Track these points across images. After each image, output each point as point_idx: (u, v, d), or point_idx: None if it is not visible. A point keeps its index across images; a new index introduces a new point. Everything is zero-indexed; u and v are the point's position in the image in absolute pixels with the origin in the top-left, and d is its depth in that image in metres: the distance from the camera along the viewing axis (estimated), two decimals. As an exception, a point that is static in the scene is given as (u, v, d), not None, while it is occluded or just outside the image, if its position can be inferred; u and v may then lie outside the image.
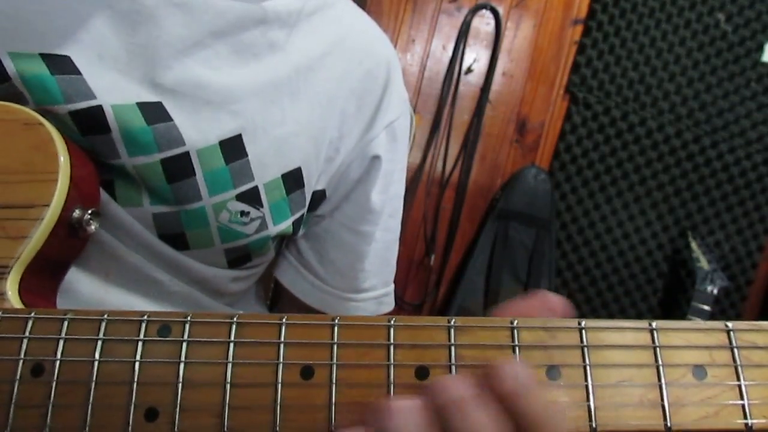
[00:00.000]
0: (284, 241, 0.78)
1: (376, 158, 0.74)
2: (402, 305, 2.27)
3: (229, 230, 0.64)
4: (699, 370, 0.37)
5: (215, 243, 0.64)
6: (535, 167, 2.26)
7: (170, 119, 0.59)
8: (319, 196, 0.73)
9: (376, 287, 0.80)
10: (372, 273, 0.78)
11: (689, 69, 2.24)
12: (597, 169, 2.28)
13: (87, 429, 0.38)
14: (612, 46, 2.22)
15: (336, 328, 0.38)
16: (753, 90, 2.28)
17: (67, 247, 0.53)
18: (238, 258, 0.68)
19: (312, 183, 0.70)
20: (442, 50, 2.23)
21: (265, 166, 0.64)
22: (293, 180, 0.67)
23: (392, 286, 0.84)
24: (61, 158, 0.50)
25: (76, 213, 0.51)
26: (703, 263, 2.11)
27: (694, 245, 2.16)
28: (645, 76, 2.23)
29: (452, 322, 0.38)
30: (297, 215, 0.69)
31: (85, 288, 0.60)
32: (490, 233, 2.25)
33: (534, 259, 2.23)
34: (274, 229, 0.67)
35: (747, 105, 2.28)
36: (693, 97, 2.26)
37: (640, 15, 2.21)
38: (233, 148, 0.62)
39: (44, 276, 0.52)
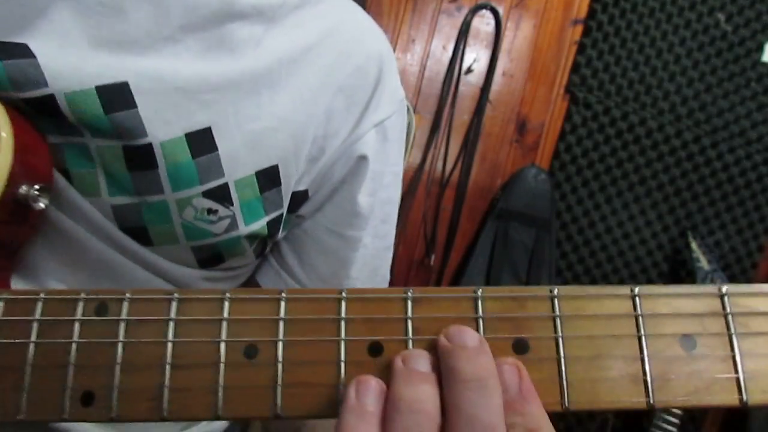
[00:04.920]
0: (267, 245, 0.74)
1: (362, 158, 0.69)
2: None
3: (194, 228, 0.60)
4: (687, 340, 0.34)
5: (179, 240, 0.61)
6: (535, 167, 2.25)
7: (134, 105, 0.55)
8: (301, 197, 0.69)
9: None
10: (359, 281, 0.74)
11: (689, 69, 2.23)
12: (597, 169, 2.26)
13: (21, 414, 0.35)
14: (612, 46, 2.21)
15: (283, 303, 0.35)
16: (753, 90, 2.26)
17: (16, 226, 0.50)
18: (209, 258, 0.64)
19: (291, 182, 0.66)
20: (442, 50, 2.22)
21: (237, 162, 0.61)
22: (268, 178, 0.64)
23: None
24: (2, 134, 0.46)
25: (23, 190, 0.47)
26: (703, 263, 2.09)
27: (694, 245, 2.14)
28: (645, 76, 2.22)
29: (408, 293, 0.35)
30: (272, 215, 0.66)
31: (50, 273, 0.58)
32: (490, 233, 2.23)
33: (534, 259, 2.21)
34: (245, 229, 0.64)
35: (747, 105, 2.27)
36: (693, 97, 2.24)
37: (640, 15, 2.20)
38: (201, 141, 0.58)
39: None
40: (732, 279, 2.30)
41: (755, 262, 2.35)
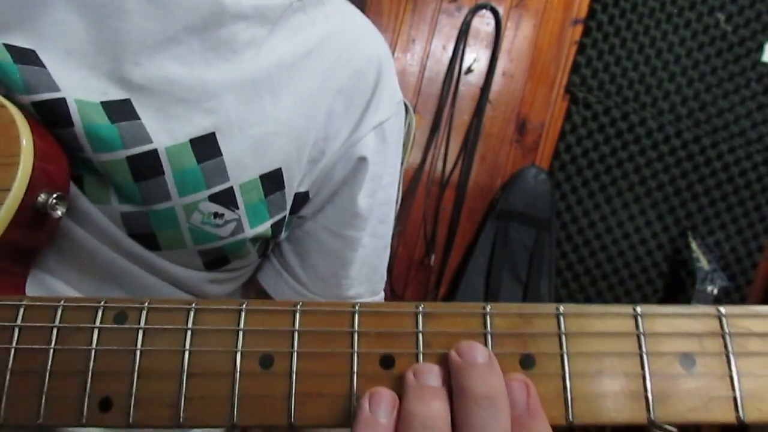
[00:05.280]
0: (269, 244, 0.74)
1: (362, 160, 0.70)
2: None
3: (201, 232, 0.61)
4: (687, 359, 0.34)
5: (187, 244, 0.61)
6: (535, 167, 2.26)
7: (137, 117, 0.56)
8: (302, 199, 0.70)
9: (362, 296, 0.76)
10: (357, 281, 0.75)
11: (689, 69, 2.24)
12: (597, 169, 2.26)
13: (40, 419, 0.36)
14: (612, 46, 2.22)
15: (297, 314, 0.36)
16: (753, 90, 2.27)
17: (33, 233, 0.51)
18: (214, 260, 0.65)
19: (294, 185, 0.67)
20: (442, 50, 2.23)
21: (242, 167, 0.62)
22: (272, 181, 0.64)
23: (382, 294, 0.80)
24: (24, 141, 0.47)
25: (41, 198, 0.48)
26: (703, 263, 2.09)
27: (694, 245, 2.14)
28: (645, 76, 2.23)
29: (420, 308, 0.36)
30: (276, 218, 0.66)
31: (59, 279, 0.58)
32: (490, 233, 2.24)
33: (534, 259, 2.22)
34: (250, 232, 0.64)
35: (747, 105, 2.28)
36: (693, 97, 2.25)
37: (640, 15, 2.21)
38: (206, 146, 0.59)
39: (9, 262, 0.50)
40: (732, 279, 2.31)
41: (755, 262, 2.36)
